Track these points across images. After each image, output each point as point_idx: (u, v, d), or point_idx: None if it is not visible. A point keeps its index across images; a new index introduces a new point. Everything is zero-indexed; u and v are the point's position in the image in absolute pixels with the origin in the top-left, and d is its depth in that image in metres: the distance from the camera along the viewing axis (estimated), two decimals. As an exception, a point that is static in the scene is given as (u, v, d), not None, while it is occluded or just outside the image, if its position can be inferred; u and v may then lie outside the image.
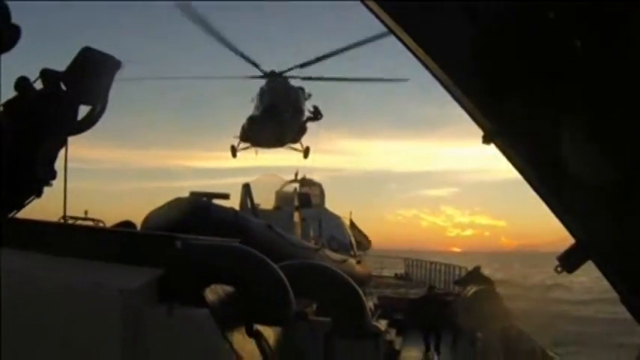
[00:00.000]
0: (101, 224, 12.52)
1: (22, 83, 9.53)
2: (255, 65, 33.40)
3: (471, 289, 25.18)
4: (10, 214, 10.19)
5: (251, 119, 33.66)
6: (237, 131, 34.39)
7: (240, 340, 5.60)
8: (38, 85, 9.79)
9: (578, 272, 3.63)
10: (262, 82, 34.01)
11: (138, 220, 11.83)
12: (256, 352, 5.76)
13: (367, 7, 4.36)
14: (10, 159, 8.58)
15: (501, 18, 3.81)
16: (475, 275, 28.94)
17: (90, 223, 12.89)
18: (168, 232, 8.19)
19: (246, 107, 34.61)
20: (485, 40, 3.82)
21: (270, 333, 6.06)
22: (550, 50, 3.70)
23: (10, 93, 9.54)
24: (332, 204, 33.12)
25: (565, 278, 31.02)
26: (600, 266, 3.51)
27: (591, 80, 3.55)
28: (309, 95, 34.34)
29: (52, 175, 9.53)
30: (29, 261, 5.36)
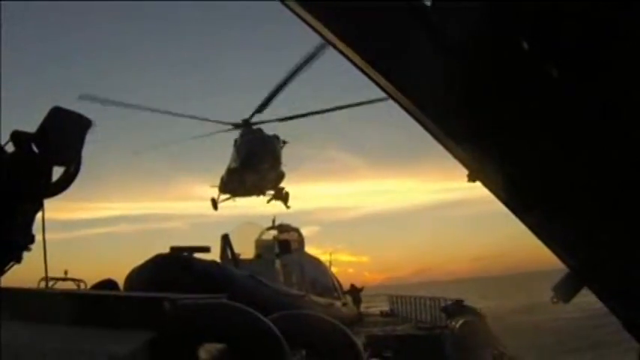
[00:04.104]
0: (82, 284, 12.34)
1: (-8, 146, 9.40)
2: (216, 121, 33.83)
3: (459, 321, 25.13)
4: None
5: (230, 171, 33.84)
6: (214, 181, 34.67)
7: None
8: (9, 148, 9.68)
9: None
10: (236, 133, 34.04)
11: (116, 276, 11.70)
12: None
13: (335, 47, 4.29)
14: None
15: (472, 52, 3.75)
16: (461, 307, 28.90)
17: (71, 283, 12.72)
18: (152, 290, 8.01)
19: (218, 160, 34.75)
20: (458, 76, 3.77)
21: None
22: (526, 82, 3.66)
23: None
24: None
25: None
26: (597, 293, 3.46)
27: (571, 110, 3.51)
28: (285, 142, 34.16)
29: (31, 239, 9.34)
30: (14, 330, 5.18)
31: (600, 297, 3.41)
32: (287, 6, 4.29)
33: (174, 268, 11.39)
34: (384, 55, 3.98)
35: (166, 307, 5.28)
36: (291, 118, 33.71)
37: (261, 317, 5.78)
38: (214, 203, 36.40)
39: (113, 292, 6.66)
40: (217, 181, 35.29)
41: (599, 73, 3.37)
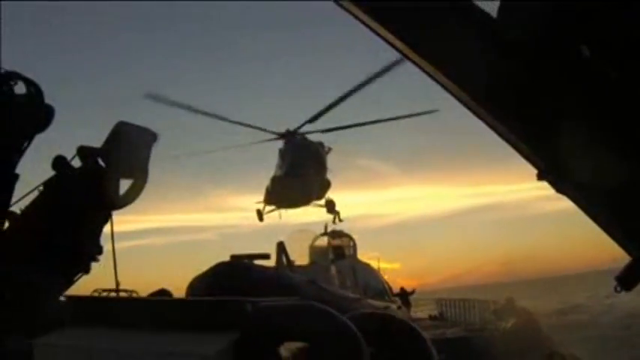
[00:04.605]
0: (134, 294, 12.58)
1: (59, 162, 9.65)
2: (263, 129, 33.56)
3: (509, 322, 24.93)
4: (60, 292, 10.26)
5: (275, 180, 33.61)
6: (259, 197, 34.62)
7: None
8: (75, 163, 9.93)
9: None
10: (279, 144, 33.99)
11: (170, 286, 11.92)
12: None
13: (407, 59, 4.44)
14: (57, 238, 8.64)
15: (534, 55, 3.85)
16: (510, 307, 28.69)
17: (123, 294, 12.99)
18: (215, 296, 8.16)
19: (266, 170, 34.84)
20: (522, 76, 3.89)
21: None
22: (586, 84, 3.76)
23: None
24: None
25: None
26: None
27: (630, 109, 3.60)
28: (330, 149, 34.19)
29: (99, 250, 9.61)
30: (105, 336, 5.36)
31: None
32: (345, 9, 4.46)
33: (237, 275, 11.57)
34: (450, 58, 4.12)
35: (248, 308, 5.42)
36: (332, 129, 33.35)
37: (339, 315, 5.88)
38: (260, 215, 35.97)
39: (195, 298, 6.82)
40: (252, 193, 35.28)
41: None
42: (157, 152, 9.28)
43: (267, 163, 34.92)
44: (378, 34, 4.46)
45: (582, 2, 3.70)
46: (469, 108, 4.38)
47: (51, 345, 5.45)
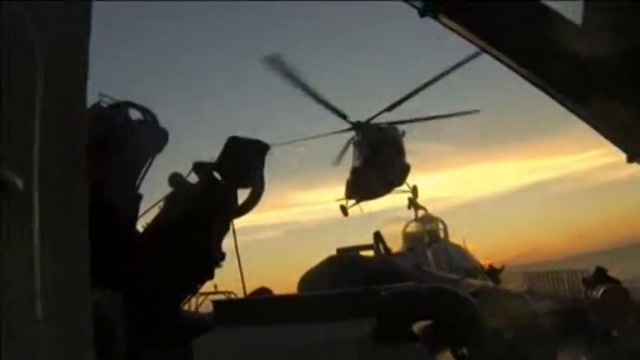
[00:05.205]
0: (232, 296, 13.23)
1: (176, 178, 10.42)
2: (344, 117, 33.36)
3: (600, 289, 24.85)
4: (186, 299, 11.02)
5: (355, 171, 33.80)
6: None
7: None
8: (190, 179, 10.68)
9: None
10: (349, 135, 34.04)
11: (270, 284, 12.57)
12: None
13: (497, 58, 5.00)
14: (183, 248, 9.38)
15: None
16: (601, 276, 28.52)
17: (221, 296, 13.66)
18: (329, 288, 8.75)
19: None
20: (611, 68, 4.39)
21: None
22: None
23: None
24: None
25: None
26: None
27: None
28: (404, 132, 33.97)
29: (222, 257, 10.32)
30: (256, 333, 6.00)
31: None
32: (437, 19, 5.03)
33: (350, 267, 12.05)
34: (542, 56, 4.66)
35: (384, 295, 6.02)
36: (401, 122, 33.39)
37: (462, 294, 6.43)
38: (344, 210, 36.15)
39: (333, 291, 7.41)
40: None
41: None
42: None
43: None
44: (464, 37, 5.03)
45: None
46: (558, 100, 4.91)
47: (209, 344, 6.11)
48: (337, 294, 6.71)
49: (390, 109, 32.45)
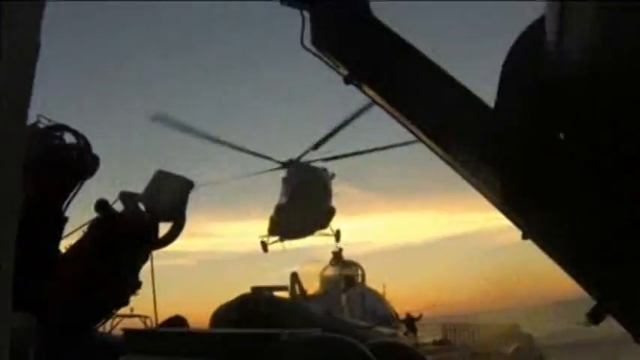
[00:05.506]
0: (148, 320, 13.43)
1: (102, 205, 10.67)
2: (268, 158, 32.75)
3: (511, 346, 25.69)
4: (100, 323, 11.22)
5: (279, 208, 33.13)
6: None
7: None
8: (116, 206, 10.95)
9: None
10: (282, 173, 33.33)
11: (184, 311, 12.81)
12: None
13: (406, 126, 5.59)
14: (101, 274, 9.65)
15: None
16: (512, 332, 29.41)
17: (137, 319, 13.84)
18: (239, 326, 9.13)
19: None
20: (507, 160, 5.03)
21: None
22: (563, 166, 4.92)
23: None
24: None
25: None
26: (616, 317, 4.67)
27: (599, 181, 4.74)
28: (333, 175, 33.35)
29: (139, 285, 10.59)
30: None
31: (618, 320, 4.60)
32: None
33: (260, 307, 12.39)
34: (441, 129, 5.26)
35: (284, 339, 6.45)
36: (335, 157, 32.44)
37: (357, 344, 6.91)
38: (264, 246, 35.42)
39: (238, 330, 7.76)
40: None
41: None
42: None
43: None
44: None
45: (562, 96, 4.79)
46: (454, 168, 5.48)
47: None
48: (240, 333, 7.09)
49: (316, 147, 31.77)
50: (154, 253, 10.53)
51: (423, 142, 5.51)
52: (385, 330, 21.94)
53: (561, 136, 5.03)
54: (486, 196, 5.47)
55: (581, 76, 4.37)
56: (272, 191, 34.50)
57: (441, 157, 5.49)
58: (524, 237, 5.17)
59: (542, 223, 4.96)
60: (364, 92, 5.67)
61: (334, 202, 33.18)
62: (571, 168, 4.91)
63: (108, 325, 13.04)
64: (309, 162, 32.98)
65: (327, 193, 32.95)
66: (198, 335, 7.45)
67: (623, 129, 4.39)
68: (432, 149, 5.54)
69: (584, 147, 4.95)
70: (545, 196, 4.87)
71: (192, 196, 10.19)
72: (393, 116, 5.66)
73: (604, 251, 4.68)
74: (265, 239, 35.30)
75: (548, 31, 4.57)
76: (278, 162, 33.22)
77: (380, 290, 32.09)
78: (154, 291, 10.39)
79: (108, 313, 10.65)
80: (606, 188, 4.71)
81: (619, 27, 3.90)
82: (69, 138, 10.47)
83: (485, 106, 5.28)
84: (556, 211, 4.88)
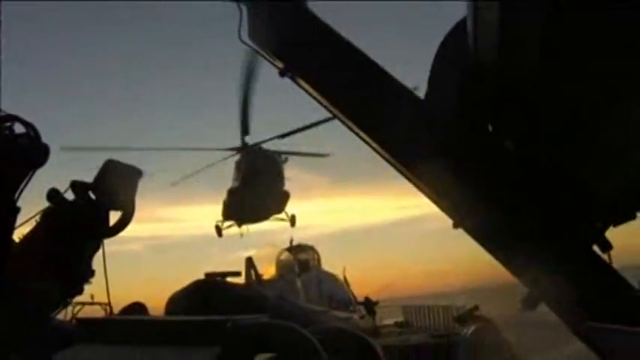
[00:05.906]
0: (108, 307, 13.57)
1: (53, 194, 10.69)
2: (219, 149, 33.24)
3: (470, 328, 25.98)
4: (55, 312, 11.30)
5: (231, 192, 33.48)
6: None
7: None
8: (67, 195, 10.99)
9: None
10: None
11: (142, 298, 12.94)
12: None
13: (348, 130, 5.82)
14: (54, 263, 9.74)
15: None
16: (473, 314, 29.77)
17: (98, 307, 13.92)
18: (194, 313, 9.30)
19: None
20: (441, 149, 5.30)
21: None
22: (491, 154, 5.22)
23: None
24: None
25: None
26: (549, 305, 4.99)
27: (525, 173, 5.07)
28: (286, 159, 33.98)
29: (92, 273, 10.68)
30: (109, 354, 6.51)
31: (549, 305, 4.89)
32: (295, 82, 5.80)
33: (214, 293, 12.55)
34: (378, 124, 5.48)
35: (229, 326, 6.63)
36: (287, 134, 32.52)
37: (302, 331, 7.13)
38: (219, 230, 35.76)
39: (185, 318, 7.93)
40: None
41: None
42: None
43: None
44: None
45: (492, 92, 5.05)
46: (393, 166, 5.72)
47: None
48: (187, 321, 7.26)
49: (282, 137, 32.36)
50: (107, 240, 10.60)
51: (357, 135, 5.72)
52: (341, 314, 22.16)
53: (489, 128, 5.31)
54: (418, 187, 5.71)
55: (496, 70, 4.63)
56: (229, 175, 34.48)
57: (375, 150, 5.71)
58: (455, 226, 5.43)
59: (472, 213, 5.21)
60: (299, 85, 5.86)
61: (288, 186, 33.17)
62: (499, 159, 5.18)
63: (69, 314, 13.15)
64: (259, 143, 33.23)
65: (280, 177, 33.37)
66: (146, 323, 7.59)
67: (542, 121, 4.67)
68: (366, 142, 5.75)
69: (510, 139, 5.23)
70: (474, 187, 5.13)
71: (144, 182, 10.29)
72: (327, 109, 5.86)
73: (529, 242, 4.96)
74: (220, 224, 35.59)
75: (468, 28, 4.82)
76: (232, 149, 33.38)
77: (339, 274, 32.48)
78: (106, 278, 10.47)
79: (63, 302, 10.73)
80: (532, 178, 4.99)
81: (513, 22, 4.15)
82: (18, 128, 10.48)
83: (417, 98, 5.51)
84: (485, 202, 5.14)
